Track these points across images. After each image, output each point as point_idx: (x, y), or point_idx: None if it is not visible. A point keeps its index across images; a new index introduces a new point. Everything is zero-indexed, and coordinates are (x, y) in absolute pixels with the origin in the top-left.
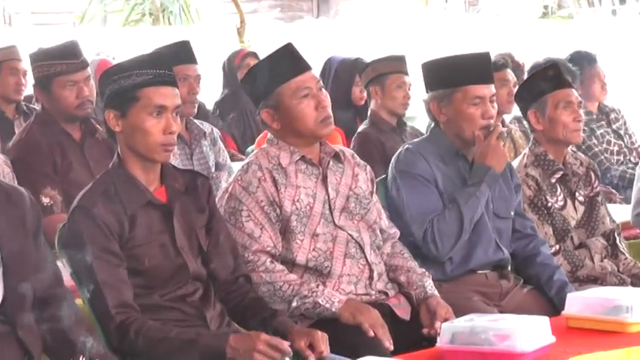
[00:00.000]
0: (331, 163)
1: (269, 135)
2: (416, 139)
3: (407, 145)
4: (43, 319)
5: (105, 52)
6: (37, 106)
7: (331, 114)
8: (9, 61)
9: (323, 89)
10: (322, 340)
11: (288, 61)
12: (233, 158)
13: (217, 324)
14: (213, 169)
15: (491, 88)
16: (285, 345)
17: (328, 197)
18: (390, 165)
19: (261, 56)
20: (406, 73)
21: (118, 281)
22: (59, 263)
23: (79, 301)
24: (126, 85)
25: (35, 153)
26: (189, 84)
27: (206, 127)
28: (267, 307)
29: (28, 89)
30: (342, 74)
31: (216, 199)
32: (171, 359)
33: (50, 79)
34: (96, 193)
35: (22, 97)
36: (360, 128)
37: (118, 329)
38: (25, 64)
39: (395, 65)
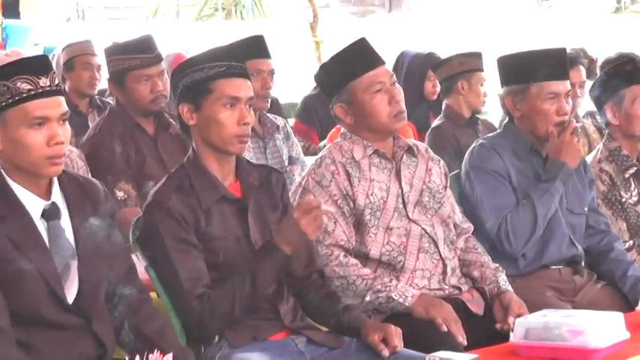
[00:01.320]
0: (405, 157)
1: (342, 129)
2: (490, 134)
3: (480, 141)
4: (117, 312)
5: (179, 46)
6: (111, 100)
7: (404, 108)
8: (83, 56)
9: (396, 84)
10: (396, 334)
11: (361, 55)
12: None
13: (291, 318)
14: (286, 163)
15: (567, 84)
16: None
17: (402, 191)
18: (464, 160)
19: (335, 51)
20: (484, 70)
21: (196, 271)
22: (133, 256)
23: (153, 295)
24: (199, 78)
25: (109, 147)
26: (262, 78)
27: (279, 121)
28: (341, 301)
29: (102, 83)
30: (414, 69)
31: (290, 193)
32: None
33: (124, 74)
34: (170, 188)
35: (96, 92)
36: (435, 123)
37: (199, 318)
38: (99, 59)
39: (478, 62)
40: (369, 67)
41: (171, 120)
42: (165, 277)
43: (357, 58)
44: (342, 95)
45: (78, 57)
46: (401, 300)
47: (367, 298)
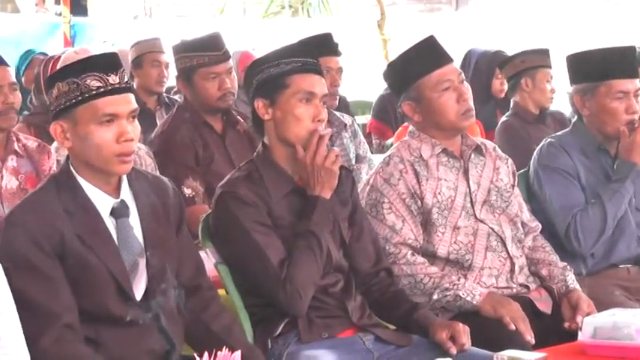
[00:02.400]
0: (472, 155)
1: (410, 127)
2: (558, 133)
3: (549, 139)
4: (186, 309)
5: (246, 44)
6: (179, 98)
7: (472, 106)
8: (151, 54)
9: (464, 82)
10: (464, 332)
11: (430, 53)
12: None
13: (358, 315)
14: (353, 162)
15: (636, 83)
16: None
17: (469, 190)
18: (532, 159)
19: (402, 49)
20: (551, 67)
21: (277, 247)
22: (202, 254)
23: (221, 292)
24: (275, 73)
25: (177, 144)
26: (331, 76)
27: (346, 119)
28: (408, 300)
29: (170, 81)
30: (482, 66)
31: (358, 191)
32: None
33: (193, 71)
34: (239, 178)
35: (164, 89)
36: (504, 119)
37: (284, 288)
38: (167, 56)
39: (543, 59)
40: (438, 64)
41: (238, 117)
42: (251, 261)
43: (426, 55)
44: (410, 93)
45: (146, 54)
46: (469, 298)
47: (435, 297)
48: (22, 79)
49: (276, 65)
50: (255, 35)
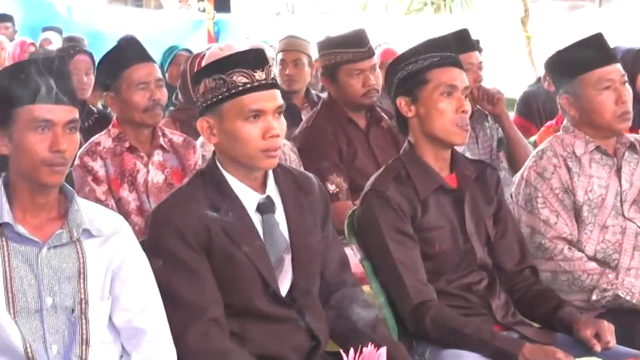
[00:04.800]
0: (626, 153)
1: (564, 122)
2: None
3: None
4: (330, 305)
5: (388, 40)
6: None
7: (630, 110)
8: (290, 52)
9: (626, 84)
10: (609, 330)
11: (595, 50)
12: None
13: (502, 314)
14: (495, 150)
15: (618, 68)
16: None
17: (620, 189)
18: None
19: (547, 46)
20: None
21: (413, 262)
22: (347, 250)
23: (366, 288)
24: (414, 69)
25: (321, 140)
26: (473, 72)
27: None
28: (553, 298)
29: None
30: (626, 65)
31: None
32: (458, 348)
33: (337, 68)
34: (388, 178)
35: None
36: None
37: (415, 311)
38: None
39: None
40: (602, 63)
41: (382, 114)
42: (382, 267)
43: (592, 51)
44: (570, 86)
45: (285, 52)
46: (628, 297)
47: (594, 297)
48: (166, 75)
49: (414, 62)
50: (396, 32)
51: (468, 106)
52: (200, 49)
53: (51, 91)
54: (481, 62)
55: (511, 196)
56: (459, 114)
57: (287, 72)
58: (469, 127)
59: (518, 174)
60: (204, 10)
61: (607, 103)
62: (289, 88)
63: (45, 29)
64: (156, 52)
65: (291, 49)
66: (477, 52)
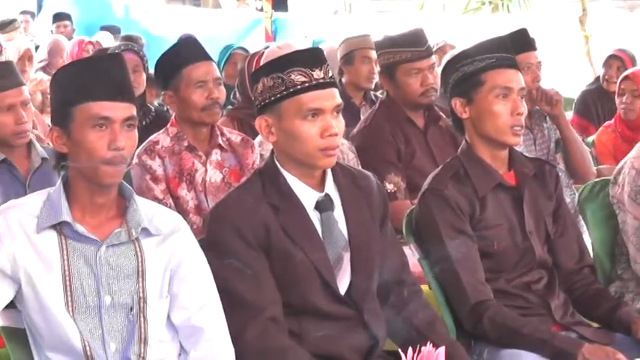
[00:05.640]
0: None
1: None
2: None
3: None
4: (389, 304)
5: (445, 39)
6: (381, 94)
7: None
8: (362, 50)
9: None
10: None
11: None
12: None
13: (561, 314)
14: (553, 152)
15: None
16: None
17: None
18: None
19: (606, 45)
20: None
21: (471, 261)
22: (406, 249)
23: (424, 288)
24: (469, 71)
25: (379, 140)
26: (532, 72)
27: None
28: (611, 297)
29: None
30: None
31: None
32: (516, 348)
33: (395, 67)
34: (446, 176)
35: (373, 86)
36: None
37: (473, 311)
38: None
39: None
40: None
41: (441, 113)
42: (440, 267)
43: None
44: None
45: (357, 50)
46: None
47: None
48: (222, 74)
49: (470, 63)
50: (454, 31)
51: (523, 107)
52: (257, 48)
53: (108, 88)
54: (540, 62)
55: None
56: (514, 116)
57: (374, 70)
58: (524, 129)
59: (627, 165)
60: (261, 9)
61: None
62: (372, 84)
63: (103, 28)
64: (214, 51)
65: (372, 47)
66: (535, 52)
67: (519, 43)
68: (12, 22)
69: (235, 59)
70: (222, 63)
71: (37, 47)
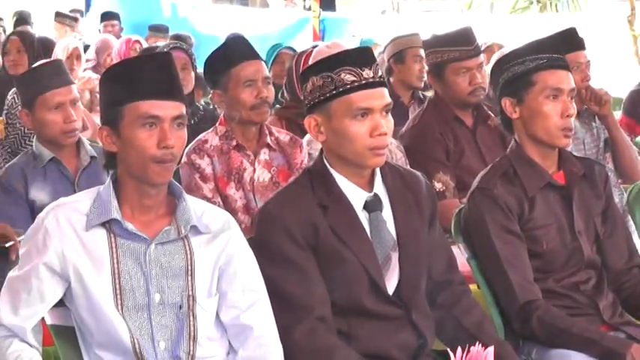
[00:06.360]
0: None
1: None
2: None
3: None
4: (437, 304)
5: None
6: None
7: None
8: (413, 48)
9: None
10: None
11: None
12: None
13: (610, 314)
14: (602, 151)
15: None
16: None
17: None
18: None
19: None
20: None
21: (520, 261)
22: (454, 249)
23: (473, 287)
24: (520, 71)
25: (428, 139)
26: (581, 71)
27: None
28: None
29: None
30: None
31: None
32: (565, 348)
33: (444, 66)
34: (495, 176)
35: (422, 85)
36: None
37: (521, 311)
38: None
39: None
40: None
41: (489, 112)
42: (489, 266)
43: None
44: None
45: (409, 49)
46: None
47: None
48: (270, 74)
49: (521, 63)
50: (502, 31)
51: (573, 109)
52: (305, 48)
53: (157, 87)
54: (589, 61)
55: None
56: (564, 118)
57: (424, 69)
58: (572, 131)
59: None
60: (309, 8)
61: None
62: (422, 83)
63: (151, 28)
64: (261, 51)
65: (422, 45)
66: (584, 51)
67: (568, 42)
68: (71, 18)
69: (282, 59)
70: (270, 62)
71: (85, 46)
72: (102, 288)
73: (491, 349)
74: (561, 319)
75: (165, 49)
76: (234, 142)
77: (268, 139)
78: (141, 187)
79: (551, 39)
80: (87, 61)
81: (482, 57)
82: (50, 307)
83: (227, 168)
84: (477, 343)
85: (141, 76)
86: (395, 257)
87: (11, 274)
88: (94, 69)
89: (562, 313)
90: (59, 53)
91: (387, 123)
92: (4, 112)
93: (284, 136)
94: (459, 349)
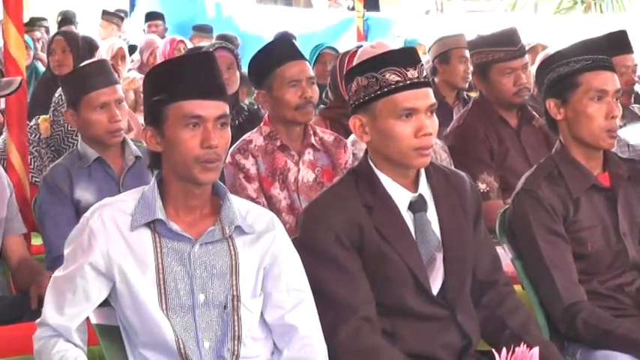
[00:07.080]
0: None
1: None
2: None
3: None
4: (482, 304)
5: (537, 39)
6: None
7: None
8: (459, 49)
9: None
10: None
11: None
12: None
13: None
14: None
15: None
16: None
17: None
18: None
19: None
20: None
21: (565, 263)
22: (499, 249)
23: (517, 288)
24: (564, 72)
25: (472, 139)
26: (627, 75)
27: (637, 110)
28: None
29: None
30: None
31: None
32: (609, 349)
33: (488, 66)
34: (540, 177)
35: (467, 86)
36: None
37: (566, 312)
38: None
39: None
40: None
41: (534, 113)
42: (533, 267)
43: None
44: None
45: (454, 50)
46: None
47: None
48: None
49: (566, 64)
50: (546, 31)
51: (618, 110)
52: (349, 48)
53: (200, 87)
54: (636, 65)
55: None
56: (608, 120)
57: (469, 69)
58: (617, 133)
59: None
60: (353, 8)
61: None
62: (467, 83)
63: (195, 28)
64: (306, 51)
65: (467, 46)
66: (632, 55)
67: (617, 45)
68: (118, 16)
69: (325, 59)
70: (312, 62)
71: (129, 46)
72: (147, 288)
73: (536, 349)
74: (606, 321)
75: (210, 49)
76: (278, 143)
77: (312, 140)
78: (186, 187)
79: (598, 40)
80: (132, 61)
81: (527, 57)
82: (95, 307)
83: (271, 168)
84: (522, 343)
85: (183, 76)
86: (439, 258)
87: (56, 274)
88: (139, 69)
89: (607, 314)
90: (104, 53)
91: (432, 123)
92: (51, 109)
93: (328, 136)
94: (504, 349)
